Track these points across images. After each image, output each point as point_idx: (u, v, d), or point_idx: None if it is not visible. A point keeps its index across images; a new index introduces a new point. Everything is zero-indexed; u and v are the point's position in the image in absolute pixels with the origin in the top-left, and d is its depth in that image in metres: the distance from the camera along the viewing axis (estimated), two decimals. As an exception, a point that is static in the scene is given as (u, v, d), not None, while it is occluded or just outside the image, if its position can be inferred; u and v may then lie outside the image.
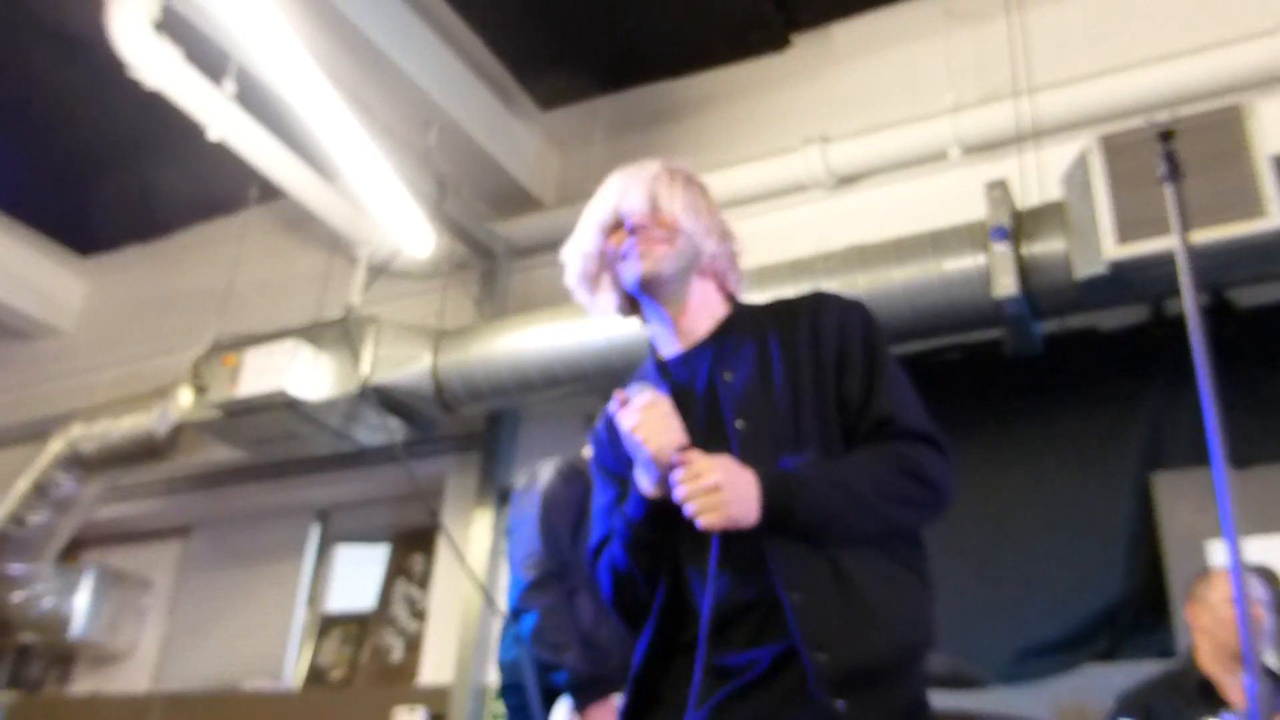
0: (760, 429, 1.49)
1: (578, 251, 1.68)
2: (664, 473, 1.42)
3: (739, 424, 1.49)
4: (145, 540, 5.94)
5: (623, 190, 1.63)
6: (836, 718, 1.33)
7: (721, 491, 1.36)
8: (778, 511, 1.39)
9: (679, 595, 1.51)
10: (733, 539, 1.39)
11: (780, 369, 1.53)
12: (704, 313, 1.64)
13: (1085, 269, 3.11)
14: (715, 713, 1.40)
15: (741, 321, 1.64)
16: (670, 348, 1.65)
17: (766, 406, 1.51)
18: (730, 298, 1.69)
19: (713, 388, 1.55)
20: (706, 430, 1.48)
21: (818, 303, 1.61)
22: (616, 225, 1.62)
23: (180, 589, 5.73)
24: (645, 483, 1.47)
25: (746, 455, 1.43)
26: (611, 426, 1.64)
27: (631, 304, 1.68)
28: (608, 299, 1.69)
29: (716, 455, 1.41)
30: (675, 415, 1.45)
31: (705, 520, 1.36)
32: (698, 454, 1.40)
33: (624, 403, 1.48)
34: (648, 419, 1.43)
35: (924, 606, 1.46)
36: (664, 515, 1.45)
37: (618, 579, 1.57)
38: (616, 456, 1.62)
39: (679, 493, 1.39)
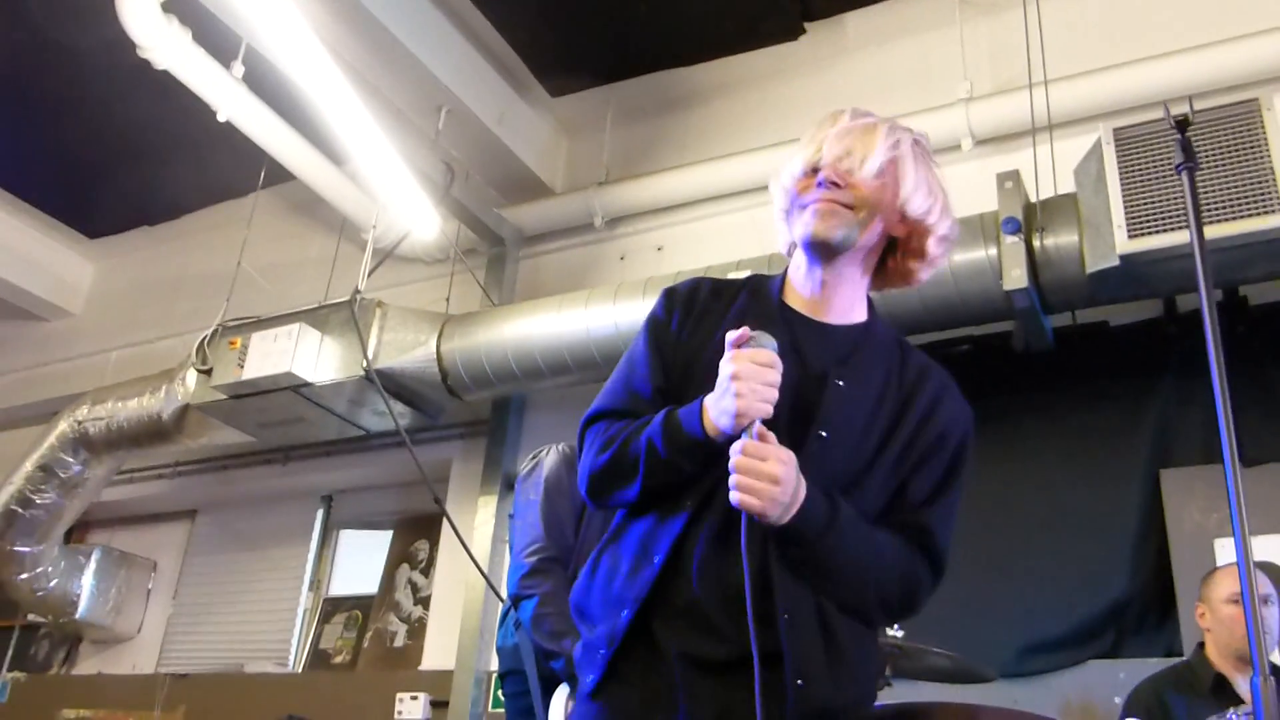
0: (836, 449, 1.45)
1: (777, 183, 1.61)
2: (734, 432, 1.36)
3: (823, 432, 1.45)
4: (151, 522, 5.98)
5: (835, 136, 1.53)
6: None
7: (777, 486, 1.32)
8: (804, 531, 1.37)
9: (676, 573, 1.43)
10: (751, 540, 1.34)
11: (888, 415, 1.51)
12: (845, 300, 1.58)
13: (1097, 262, 3.07)
14: (692, 702, 1.38)
15: (881, 339, 1.59)
16: (800, 300, 1.59)
17: (855, 435, 1.47)
18: (872, 303, 1.63)
19: (820, 379, 1.49)
20: (783, 407, 1.40)
21: (945, 385, 1.58)
22: (813, 170, 1.54)
23: (185, 571, 5.76)
24: (712, 418, 1.39)
25: (807, 462, 1.38)
26: (696, 296, 1.60)
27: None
28: (783, 236, 1.64)
29: (786, 450, 1.35)
30: (777, 388, 1.37)
31: (740, 498, 1.32)
32: (774, 438, 1.35)
33: (744, 341, 1.39)
34: (753, 377, 1.35)
35: (876, 666, 1.54)
36: (707, 455, 1.41)
37: (617, 459, 1.47)
38: (679, 328, 1.57)
39: (735, 462, 1.34)
